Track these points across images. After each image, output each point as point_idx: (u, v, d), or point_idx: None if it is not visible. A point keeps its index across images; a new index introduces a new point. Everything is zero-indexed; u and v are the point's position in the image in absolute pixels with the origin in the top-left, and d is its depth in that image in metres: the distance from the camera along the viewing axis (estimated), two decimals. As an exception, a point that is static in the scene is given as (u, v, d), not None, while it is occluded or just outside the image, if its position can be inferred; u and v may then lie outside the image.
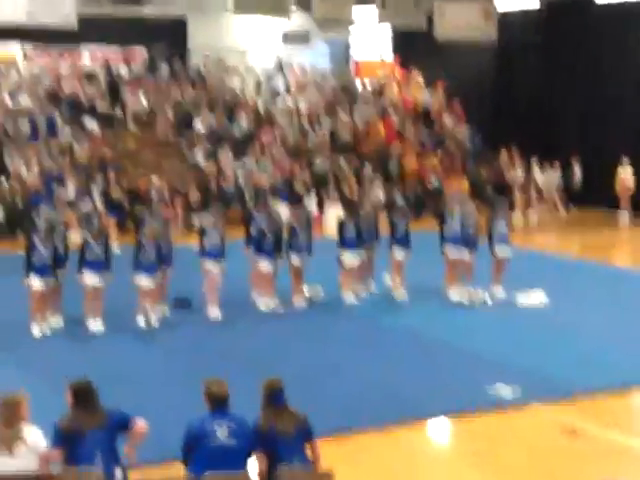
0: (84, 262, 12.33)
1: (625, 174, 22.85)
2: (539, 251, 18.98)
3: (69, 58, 26.19)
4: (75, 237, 14.59)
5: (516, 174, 24.23)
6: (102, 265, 12.40)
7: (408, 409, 9.45)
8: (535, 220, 23.11)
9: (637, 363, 11.03)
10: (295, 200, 19.55)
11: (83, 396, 6.33)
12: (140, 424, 6.35)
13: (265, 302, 13.64)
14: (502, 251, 14.35)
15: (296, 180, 21.16)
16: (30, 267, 12.03)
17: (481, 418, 9.36)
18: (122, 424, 6.31)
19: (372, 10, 26.43)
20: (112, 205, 19.32)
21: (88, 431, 6.15)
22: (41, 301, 12.23)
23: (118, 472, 6.21)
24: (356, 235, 14.24)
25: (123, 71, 25.99)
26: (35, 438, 6.07)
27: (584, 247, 20.55)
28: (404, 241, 14.43)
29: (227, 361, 10.61)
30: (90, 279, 12.34)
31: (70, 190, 19.86)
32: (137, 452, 6.37)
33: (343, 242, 14.17)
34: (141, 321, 12.58)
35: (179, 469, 6.44)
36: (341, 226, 14.31)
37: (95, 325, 12.35)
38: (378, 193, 20.75)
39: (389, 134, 25.98)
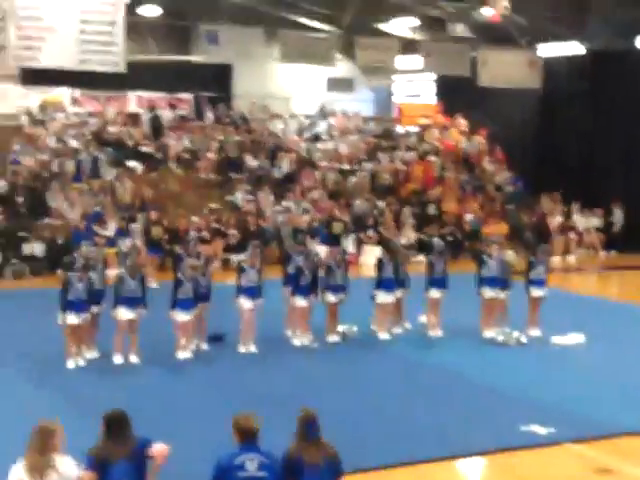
0: (119, 297, 12.49)
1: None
2: (577, 293, 18.81)
3: (116, 103, 26.70)
4: (113, 274, 14.75)
5: (557, 219, 24.15)
6: (137, 300, 12.55)
7: (442, 447, 9.35)
8: (574, 263, 22.98)
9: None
10: (333, 240, 19.61)
11: (115, 426, 6.36)
12: (158, 448, 6.34)
13: (299, 338, 13.66)
14: (538, 291, 14.39)
15: (335, 221, 21.24)
16: (65, 302, 12.20)
17: (515, 457, 9.24)
18: (145, 450, 6.34)
19: (416, 59, 26.71)
20: (152, 243, 19.54)
21: (116, 461, 6.18)
22: (75, 335, 12.35)
23: None
24: (394, 275, 14.27)
25: (168, 114, 26.42)
26: (67, 468, 6.04)
27: (623, 290, 20.30)
28: (441, 281, 14.44)
29: (260, 396, 10.57)
30: (124, 314, 12.46)
31: (111, 228, 20.13)
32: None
33: (380, 282, 14.20)
34: (179, 355, 12.67)
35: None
36: (380, 266, 14.33)
37: (120, 359, 12.45)
38: (410, 235, 20.74)
39: (429, 178, 26.02)
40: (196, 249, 15.22)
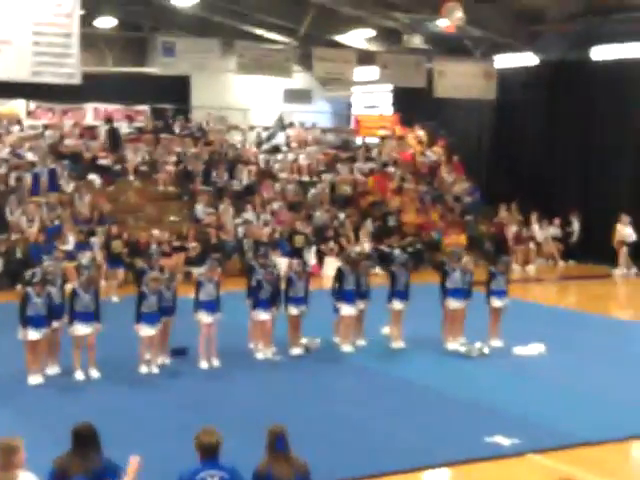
0: (74, 312, 12.36)
1: (623, 229, 22.99)
2: (537, 303, 19.01)
3: (72, 115, 26.49)
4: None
5: (514, 229, 24.46)
6: (92, 315, 12.42)
7: (406, 459, 9.35)
8: (533, 273, 23.30)
9: (635, 414, 10.95)
10: (294, 253, 19.63)
11: (80, 439, 6.34)
12: (132, 463, 6.29)
13: (262, 351, 13.63)
14: (498, 302, 14.52)
15: (296, 234, 21.26)
16: (25, 318, 12.05)
17: (479, 468, 9.26)
18: (111, 476, 6.31)
19: (373, 70, 26.88)
20: (113, 258, 19.39)
21: (74, 475, 6.18)
22: (35, 351, 12.19)
23: None
24: (355, 287, 14.29)
25: (125, 126, 26.27)
26: None
27: (581, 299, 20.59)
28: (404, 293, 14.48)
29: (224, 411, 10.57)
30: (79, 329, 12.35)
31: (70, 242, 19.93)
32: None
33: (342, 293, 14.21)
34: (142, 369, 12.59)
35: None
36: (340, 278, 14.35)
37: (81, 375, 12.32)
38: (365, 246, 20.85)
39: (388, 189, 26.16)
40: (158, 263, 15.15)
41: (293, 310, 13.92)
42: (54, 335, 12.58)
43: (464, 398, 11.61)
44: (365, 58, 26.58)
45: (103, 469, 6.27)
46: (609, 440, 10.07)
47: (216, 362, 13.11)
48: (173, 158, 25.16)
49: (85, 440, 6.33)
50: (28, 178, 22.28)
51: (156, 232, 20.65)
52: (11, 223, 20.75)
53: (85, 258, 18.85)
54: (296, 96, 30.97)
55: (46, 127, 25.25)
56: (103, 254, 19.86)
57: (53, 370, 12.54)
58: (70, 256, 18.82)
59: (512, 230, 24.47)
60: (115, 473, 6.33)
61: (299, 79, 28.95)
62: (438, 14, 23.31)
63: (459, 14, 22.69)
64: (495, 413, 10.96)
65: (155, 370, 12.68)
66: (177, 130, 26.82)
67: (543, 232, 24.47)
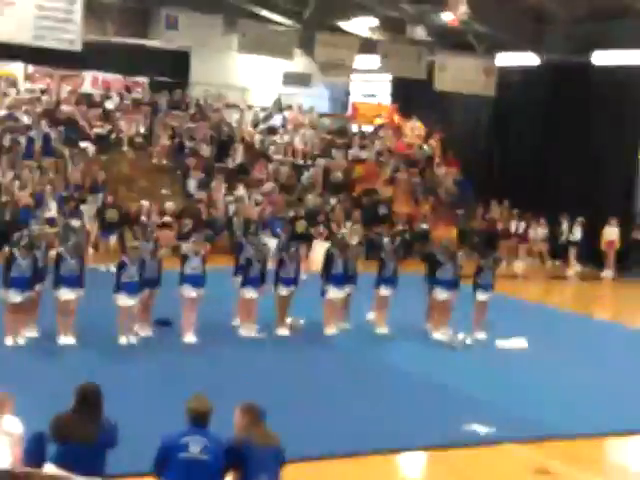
0: (59, 276, 12.33)
1: (610, 233, 23.16)
2: (523, 300, 19.13)
3: (70, 82, 26.36)
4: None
5: (506, 225, 24.58)
6: (76, 280, 12.39)
7: (383, 440, 9.41)
8: (521, 271, 23.44)
9: (611, 412, 11.08)
10: (296, 238, 19.50)
11: (82, 401, 6.35)
12: None
13: (247, 328, 13.64)
14: (484, 295, 14.64)
15: (298, 219, 21.04)
16: (7, 280, 12.01)
17: (455, 454, 9.36)
18: (110, 444, 6.38)
19: (374, 59, 26.87)
20: (106, 226, 19.29)
21: (72, 442, 6.19)
22: (16, 313, 12.14)
23: None
24: (343, 271, 14.32)
25: (123, 97, 26.18)
26: (10, 425, 6.28)
27: (567, 299, 20.75)
28: (391, 280, 14.55)
29: (203, 384, 10.43)
30: (63, 294, 12.32)
31: (52, 208, 19.80)
32: (114, 465, 6.39)
33: (329, 277, 14.25)
34: (121, 339, 12.52)
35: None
36: (329, 261, 14.37)
37: (65, 340, 12.28)
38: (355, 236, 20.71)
39: (381, 178, 26.19)
40: (152, 235, 15.04)
41: (283, 291, 13.94)
42: (36, 298, 12.52)
43: (445, 385, 11.70)
44: (367, 46, 26.53)
45: (104, 435, 6.29)
46: (585, 434, 10.23)
47: (193, 338, 12.98)
48: (168, 132, 25.08)
49: (89, 401, 6.34)
50: (22, 141, 22.17)
51: (146, 203, 20.65)
52: (2, 185, 20.67)
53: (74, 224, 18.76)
54: (295, 79, 30.86)
55: (43, 92, 25.11)
56: (97, 222, 19.79)
57: (32, 333, 12.47)
58: (52, 222, 18.75)
59: (503, 226, 24.58)
60: (113, 439, 6.38)
61: (299, 62, 28.86)
62: (443, 7, 23.31)
63: (464, 8, 22.68)
64: (475, 402, 11.04)
65: (133, 340, 12.63)
66: (174, 104, 26.72)
67: (533, 231, 24.59)
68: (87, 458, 6.18)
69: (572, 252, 23.83)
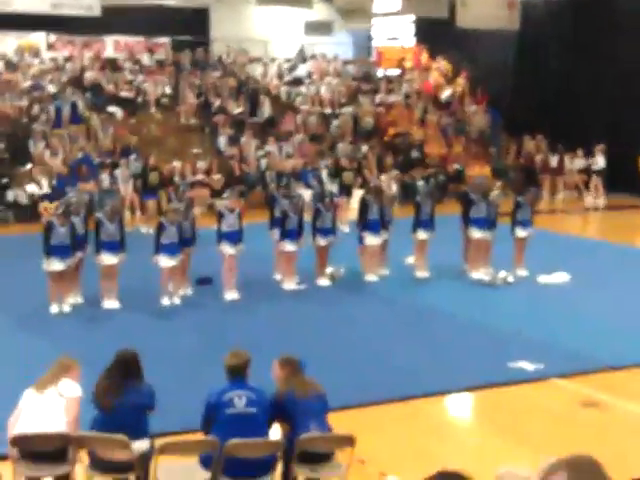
0: (100, 242, 12.42)
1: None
2: (563, 234, 19.01)
3: (92, 48, 26.36)
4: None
5: (541, 159, 24.36)
6: (116, 245, 12.48)
7: (430, 384, 9.48)
8: (560, 203, 23.36)
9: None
10: (343, 190, 19.38)
11: (120, 366, 6.48)
12: None
13: (288, 281, 13.71)
14: (523, 232, 14.52)
15: (344, 171, 20.78)
16: (48, 248, 12.10)
17: (502, 391, 9.40)
18: (147, 407, 6.49)
19: (394, 1, 26.49)
20: (148, 189, 19.33)
21: (113, 405, 6.32)
22: (58, 281, 12.26)
23: (143, 443, 6.32)
24: (379, 218, 14.31)
25: (146, 59, 26.14)
26: (67, 388, 6.37)
27: (608, 230, 20.56)
28: (428, 223, 14.50)
29: (247, 339, 10.49)
30: (105, 259, 12.42)
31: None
32: (160, 423, 6.55)
33: (365, 224, 14.23)
34: (164, 300, 12.65)
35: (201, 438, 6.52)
36: (364, 208, 14.34)
37: (110, 304, 12.42)
38: (391, 182, 20.57)
39: (411, 121, 25.99)
40: (184, 194, 15.08)
41: (321, 241, 13.94)
42: (77, 265, 12.65)
43: (488, 325, 11.70)
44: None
45: (134, 398, 6.38)
46: (632, 365, 10.18)
47: (236, 294, 13.06)
48: (194, 90, 25.05)
49: (124, 366, 6.46)
50: (51, 111, 22.27)
51: (177, 164, 20.69)
52: (34, 155, 20.82)
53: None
54: (317, 28, 30.60)
55: (67, 59, 25.14)
56: (133, 185, 19.90)
57: (76, 299, 12.63)
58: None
59: (539, 160, 24.35)
60: (147, 402, 6.47)
61: (319, 11, 28.60)
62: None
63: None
64: (520, 339, 11.06)
65: (177, 301, 12.75)
66: (197, 62, 26.64)
67: (569, 163, 24.35)
68: (120, 422, 6.24)
69: (597, 181, 23.59)
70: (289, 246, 13.64)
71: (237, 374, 6.36)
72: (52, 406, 6.27)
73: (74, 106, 22.43)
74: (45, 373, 6.53)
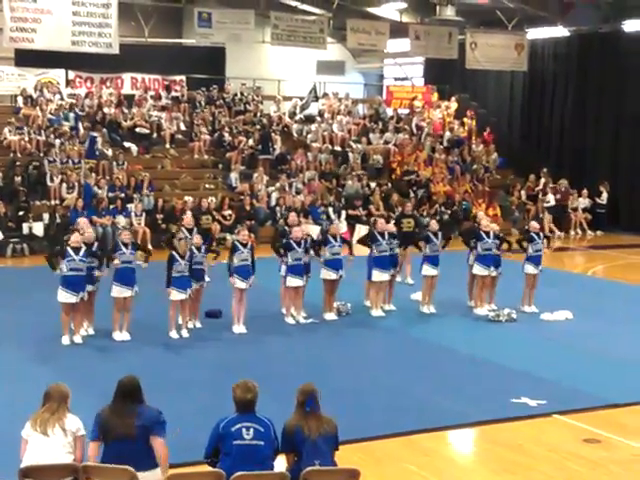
0: (115, 275, 12.54)
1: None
2: (566, 271, 19.22)
3: (110, 84, 26.86)
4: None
5: (546, 199, 24.65)
6: (130, 278, 12.57)
7: (434, 418, 9.58)
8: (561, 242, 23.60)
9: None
10: (401, 237, 19.42)
11: (121, 393, 6.49)
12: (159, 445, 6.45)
13: (294, 316, 13.88)
14: (532, 269, 14.79)
15: (404, 217, 20.11)
16: (63, 280, 12.15)
17: (505, 427, 9.47)
18: (152, 432, 6.42)
19: (405, 42, 27.00)
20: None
21: (115, 437, 6.32)
22: (71, 313, 12.34)
23: (152, 474, 6.35)
24: (388, 254, 14.47)
25: (162, 96, 26.64)
26: (71, 423, 6.41)
27: (609, 268, 20.75)
28: (436, 259, 14.71)
29: (256, 373, 10.52)
30: (119, 292, 12.56)
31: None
32: (170, 455, 6.52)
33: (374, 259, 14.39)
34: (172, 334, 12.76)
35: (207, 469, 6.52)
36: (372, 239, 14.48)
37: (120, 336, 12.57)
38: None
39: (419, 159, 26.34)
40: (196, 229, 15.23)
41: (332, 275, 14.10)
42: (90, 297, 12.70)
43: (492, 361, 11.84)
44: (397, 30, 26.67)
45: (144, 424, 6.36)
46: (635, 402, 10.30)
47: (243, 328, 13.17)
48: (208, 127, 25.52)
49: (124, 394, 6.47)
50: (68, 145, 22.66)
51: (189, 199, 21.02)
52: (51, 189, 21.23)
53: (123, 223, 19.24)
54: (329, 67, 31.13)
55: (85, 96, 25.64)
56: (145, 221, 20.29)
57: (87, 331, 12.76)
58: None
59: (544, 199, 24.67)
60: (160, 426, 6.45)
61: (332, 51, 29.08)
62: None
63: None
64: (523, 375, 11.18)
65: (185, 334, 12.82)
66: (212, 100, 27.13)
67: (573, 202, 24.65)
68: (130, 451, 6.27)
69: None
70: (296, 281, 13.72)
71: (246, 405, 6.39)
72: (58, 445, 6.29)
73: (92, 141, 22.86)
74: (43, 409, 6.43)
